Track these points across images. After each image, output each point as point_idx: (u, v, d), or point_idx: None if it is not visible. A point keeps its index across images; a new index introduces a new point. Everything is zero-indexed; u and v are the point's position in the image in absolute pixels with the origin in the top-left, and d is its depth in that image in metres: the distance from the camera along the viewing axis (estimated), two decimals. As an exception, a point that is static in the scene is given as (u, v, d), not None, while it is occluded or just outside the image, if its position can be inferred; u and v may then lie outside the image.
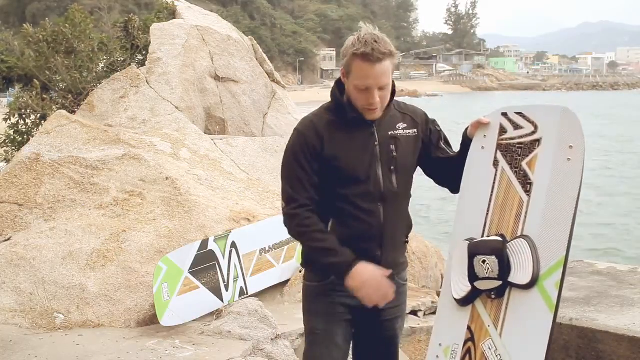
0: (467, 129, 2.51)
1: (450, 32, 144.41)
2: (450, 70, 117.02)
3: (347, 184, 2.33)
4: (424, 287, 5.68)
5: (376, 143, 2.35)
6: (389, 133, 2.38)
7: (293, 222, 2.34)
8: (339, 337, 2.41)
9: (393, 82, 2.37)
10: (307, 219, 2.31)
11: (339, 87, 2.40)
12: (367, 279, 2.24)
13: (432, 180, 2.61)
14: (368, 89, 2.27)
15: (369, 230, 2.34)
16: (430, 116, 2.58)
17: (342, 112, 2.37)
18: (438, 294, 4.93)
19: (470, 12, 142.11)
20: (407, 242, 2.53)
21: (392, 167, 2.37)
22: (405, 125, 2.43)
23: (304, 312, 2.49)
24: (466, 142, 2.49)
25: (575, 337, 2.76)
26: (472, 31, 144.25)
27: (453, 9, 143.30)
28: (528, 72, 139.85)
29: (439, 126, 2.55)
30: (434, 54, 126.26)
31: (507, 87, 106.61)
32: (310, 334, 2.46)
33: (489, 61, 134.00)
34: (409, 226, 2.51)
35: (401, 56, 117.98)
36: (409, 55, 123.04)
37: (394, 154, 2.37)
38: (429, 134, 2.50)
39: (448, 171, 2.53)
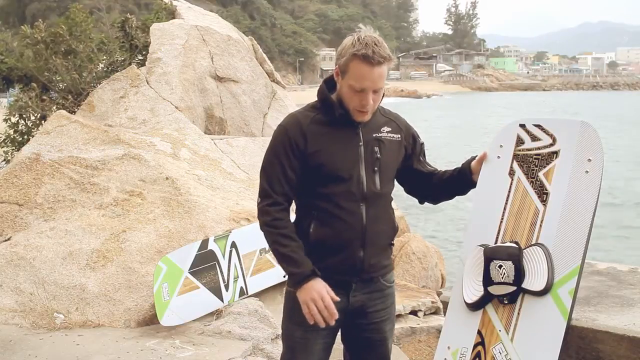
0: (471, 161, 2.52)
1: (450, 32, 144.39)
2: (450, 70, 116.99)
3: (329, 182, 2.32)
4: (424, 287, 5.68)
5: (360, 143, 2.36)
6: (374, 135, 2.39)
7: (263, 220, 2.34)
8: (317, 346, 2.40)
9: None
10: (277, 220, 2.31)
11: (328, 86, 2.40)
12: (315, 297, 2.23)
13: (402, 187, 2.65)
14: (363, 90, 2.27)
15: (351, 230, 2.33)
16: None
17: (330, 110, 2.36)
18: (438, 294, 4.94)
19: (470, 12, 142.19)
20: (393, 244, 2.52)
21: (376, 168, 2.37)
22: (390, 129, 2.44)
23: (284, 316, 2.47)
24: (465, 171, 2.52)
25: (575, 337, 2.76)
26: (472, 31, 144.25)
27: (453, 9, 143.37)
28: (528, 72, 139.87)
29: (420, 138, 2.57)
30: (434, 54, 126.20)
31: (507, 87, 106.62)
32: (288, 339, 2.45)
33: (489, 61, 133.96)
34: (393, 228, 2.49)
35: (401, 56, 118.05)
36: (409, 55, 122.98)
37: (378, 155, 2.37)
38: (411, 143, 2.52)
39: (422, 185, 2.57)
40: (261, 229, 2.37)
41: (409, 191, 2.63)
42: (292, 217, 2.45)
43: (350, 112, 2.33)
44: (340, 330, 2.49)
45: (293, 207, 2.45)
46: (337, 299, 2.26)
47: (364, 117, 2.34)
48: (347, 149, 2.34)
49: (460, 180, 2.53)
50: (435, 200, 2.64)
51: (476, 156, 2.53)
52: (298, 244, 2.30)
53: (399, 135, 2.46)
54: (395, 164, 2.46)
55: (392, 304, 2.52)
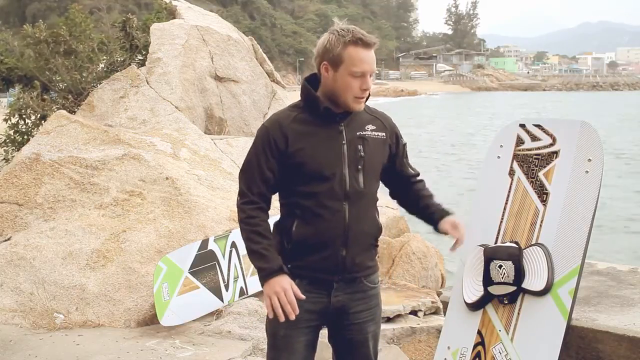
0: (444, 216, 2.45)
1: (450, 32, 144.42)
2: (450, 70, 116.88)
3: (312, 181, 2.33)
4: (424, 287, 5.68)
5: (343, 142, 2.35)
6: (357, 133, 2.38)
7: (239, 217, 2.38)
8: (299, 344, 2.41)
9: None
10: (250, 218, 2.34)
11: (310, 84, 2.41)
12: (278, 290, 2.25)
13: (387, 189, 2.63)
14: (364, 74, 2.29)
15: (333, 229, 2.33)
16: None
17: (314, 105, 2.36)
18: (438, 294, 4.93)
19: (471, 12, 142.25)
20: (377, 245, 2.50)
21: (359, 167, 2.36)
22: (375, 127, 2.43)
23: (267, 314, 2.46)
24: (434, 221, 2.48)
25: (575, 337, 2.76)
26: (472, 31, 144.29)
27: (453, 9, 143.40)
28: (528, 72, 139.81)
29: (403, 139, 2.55)
30: (434, 54, 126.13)
31: (507, 87, 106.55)
32: (271, 338, 2.46)
33: (489, 61, 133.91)
34: (377, 228, 2.47)
35: (401, 56, 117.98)
36: (409, 55, 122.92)
37: (361, 153, 2.36)
38: (395, 142, 2.50)
39: (400, 189, 2.56)
40: (239, 226, 2.41)
41: (391, 194, 2.61)
42: (276, 217, 2.46)
43: (347, 103, 2.33)
44: (327, 329, 2.50)
45: (276, 205, 2.46)
46: (302, 297, 2.27)
47: (360, 105, 2.35)
48: (330, 148, 2.34)
49: (427, 220, 2.51)
50: (407, 211, 2.61)
51: (451, 215, 2.44)
52: (269, 241, 2.33)
53: (384, 134, 2.45)
54: (380, 162, 2.45)
55: (376, 305, 2.50)
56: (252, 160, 2.38)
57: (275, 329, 2.41)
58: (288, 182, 2.37)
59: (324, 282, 2.37)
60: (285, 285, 2.26)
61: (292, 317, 2.24)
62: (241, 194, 2.39)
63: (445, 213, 2.46)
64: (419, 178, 2.56)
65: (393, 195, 2.62)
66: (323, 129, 2.35)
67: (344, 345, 2.48)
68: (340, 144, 2.35)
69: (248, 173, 2.39)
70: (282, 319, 2.25)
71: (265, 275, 2.29)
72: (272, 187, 2.39)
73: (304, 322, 2.38)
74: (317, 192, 2.32)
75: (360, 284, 2.42)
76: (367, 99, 2.41)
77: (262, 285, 2.31)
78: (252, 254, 2.34)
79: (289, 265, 2.36)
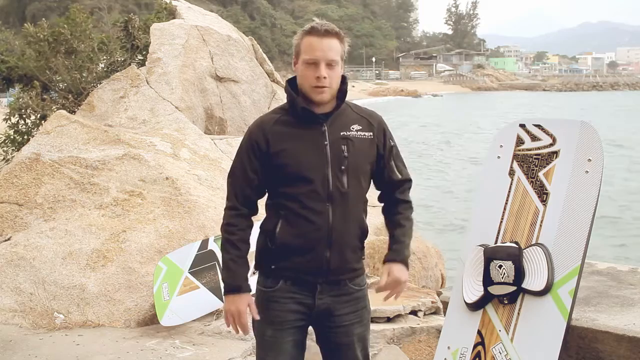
0: (387, 258, 2.43)
1: (450, 32, 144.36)
2: (450, 70, 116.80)
3: (294, 182, 2.33)
4: (424, 287, 5.68)
5: (326, 142, 2.34)
6: (341, 133, 2.36)
7: (222, 222, 2.43)
8: (287, 344, 2.41)
9: (344, 77, 2.39)
10: (229, 226, 2.39)
11: (291, 85, 2.42)
12: (233, 313, 2.34)
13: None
14: (316, 62, 2.28)
15: (317, 231, 2.32)
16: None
17: (294, 106, 2.37)
18: (438, 294, 4.93)
19: (471, 12, 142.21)
20: (363, 247, 2.47)
21: (343, 168, 2.34)
22: (360, 127, 2.40)
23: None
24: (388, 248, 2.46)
25: (575, 337, 2.76)
26: (472, 31, 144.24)
27: (453, 9, 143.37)
28: (529, 72, 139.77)
29: (393, 140, 2.50)
30: (434, 54, 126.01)
31: (507, 87, 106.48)
32: (259, 337, 2.48)
33: (489, 61, 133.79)
34: (363, 230, 2.42)
35: (401, 56, 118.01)
36: (409, 55, 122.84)
37: (345, 154, 2.35)
38: (382, 141, 2.45)
39: (384, 195, 2.52)
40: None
41: (378, 197, 2.56)
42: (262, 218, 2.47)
43: (308, 94, 2.33)
44: (314, 332, 2.50)
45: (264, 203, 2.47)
46: (257, 317, 2.37)
47: (322, 96, 2.32)
48: (312, 149, 2.33)
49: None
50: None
51: (399, 262, 2.40)
52: (240, 252, 2.37)
53: (371, 133, 2.41)
54: (367, 162, 2.41)
55: (363, 308, 2.47)
56: (237, 164, 2.42)
57: (262, 329, 2.44)
58: (273, 184, 2.38)
59: (308, 284, 2.37)
60: (241, 307, 2.34)
61: (245, 331, 2.38)
62: (228, 197, 2.43)
63: (395, 256, 2.40)
64: (406, 199, 2.49)
65: (379, 199, 2.57)
66: (305, 130, 2.35)
67: (330, 347, 2.48)
68: (322, 144, 2.33)
69: (233, 178, 2.42)
70: (237, 333, 2.41)
71: (226, 291, 2.38)
72: (257, 188, 2.40)
73: (289, 323, 2.39)
74: (300, 194, 2.32)
75: (345, 286, 2.40)
76: (344, 95, 2.39)
77: (224, 297, 2.40)
78: (222, 263, 2.41)
79: (272, 266, 2.38)
